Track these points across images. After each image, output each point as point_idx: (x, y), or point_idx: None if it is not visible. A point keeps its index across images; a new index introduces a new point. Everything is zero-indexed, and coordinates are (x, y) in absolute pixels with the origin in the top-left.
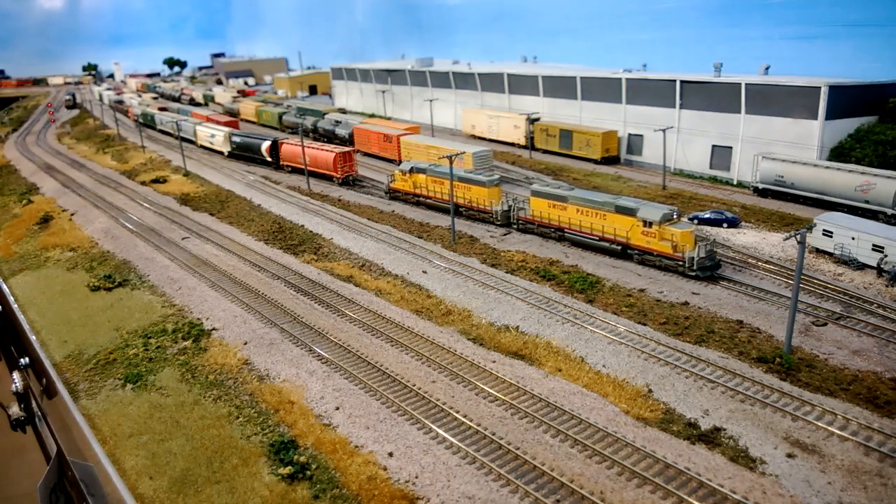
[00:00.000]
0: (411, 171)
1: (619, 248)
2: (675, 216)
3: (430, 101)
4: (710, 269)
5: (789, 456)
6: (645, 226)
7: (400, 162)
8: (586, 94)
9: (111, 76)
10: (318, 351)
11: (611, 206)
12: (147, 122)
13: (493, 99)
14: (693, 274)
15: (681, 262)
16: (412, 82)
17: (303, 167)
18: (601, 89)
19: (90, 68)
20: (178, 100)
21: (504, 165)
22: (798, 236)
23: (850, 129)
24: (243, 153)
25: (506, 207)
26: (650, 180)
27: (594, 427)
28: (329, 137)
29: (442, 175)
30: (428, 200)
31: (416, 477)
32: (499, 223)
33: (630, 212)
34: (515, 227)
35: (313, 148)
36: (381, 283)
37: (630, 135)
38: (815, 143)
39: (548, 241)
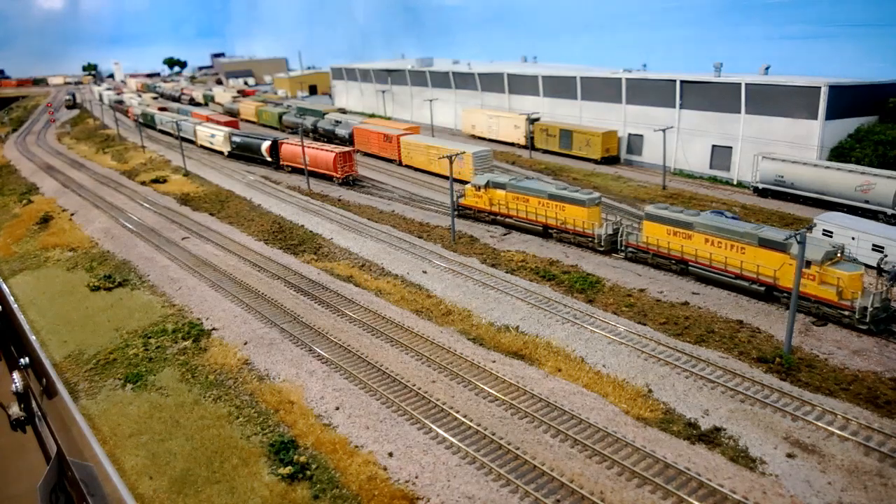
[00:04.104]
0: (487, 185)
1: (763, 289)
2: (839, 254)
3: (430, 101)
4: (884, 322)
5: (789, 456)
6: None
7: (400, 163)
8: (586, 94)
9: (111, 76)
10: (318, 351)
11: (753, 238)
12: (147, 122)
13: (493, 99)
14: (864, 328)
15: (848, 313)
16: (412, 82)
17: (303, 167)
18: (601, 89)
19: (90, 68)
20: (178, 100)
21: (504, 165)
22: (798, 236)
23: (850, 129)
24: (243, 153)
25: (611, 231)
26: (650, 180)
27: (594, 427)
28: (329, 137)
29: (526, 191)
30: (508, 220)
31: (416, 477)
32: (601, 249)
33: (779, 247)
34: (623, 254)
35: (313, 148)
36: (381, 283)
37: (630, 135)
38: (815, 143)
39: (667, 273)
